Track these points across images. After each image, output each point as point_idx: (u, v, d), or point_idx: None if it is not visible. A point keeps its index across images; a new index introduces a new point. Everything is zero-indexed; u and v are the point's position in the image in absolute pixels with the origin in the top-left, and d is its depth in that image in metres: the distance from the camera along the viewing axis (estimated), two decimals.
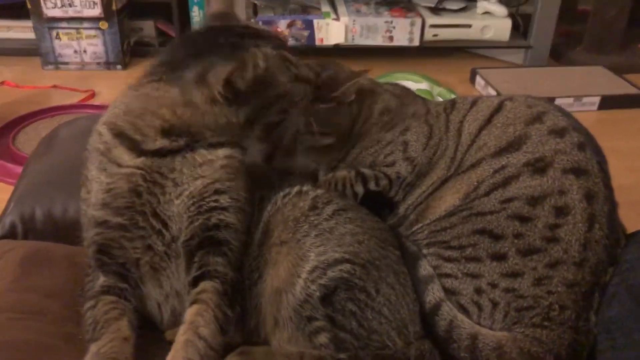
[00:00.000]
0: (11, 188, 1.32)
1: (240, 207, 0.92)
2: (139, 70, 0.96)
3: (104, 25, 2.90)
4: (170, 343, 0.91)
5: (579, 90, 2.75)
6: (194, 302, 0.86)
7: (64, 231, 1.18)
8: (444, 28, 3.05)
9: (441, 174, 1.01)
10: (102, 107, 2.49)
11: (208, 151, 0.90)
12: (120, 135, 0.89)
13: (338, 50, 2.98)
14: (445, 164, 1.01)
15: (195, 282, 0.88)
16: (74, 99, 2.68)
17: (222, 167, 0.90)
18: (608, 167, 0.95)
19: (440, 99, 2.39)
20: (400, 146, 1.04)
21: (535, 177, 0.91)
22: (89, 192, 0.90)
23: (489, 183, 0.93)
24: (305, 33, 2.95)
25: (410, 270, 0.94)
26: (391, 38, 3.01)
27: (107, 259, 0.89)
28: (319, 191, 0.97)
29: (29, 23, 2.92)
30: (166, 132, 0.89)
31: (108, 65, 3.00)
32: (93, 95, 2.74)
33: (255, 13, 3.08)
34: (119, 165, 0.88)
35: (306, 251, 0.89)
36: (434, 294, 0.91)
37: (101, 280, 0.89)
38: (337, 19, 2.97)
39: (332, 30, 2.97)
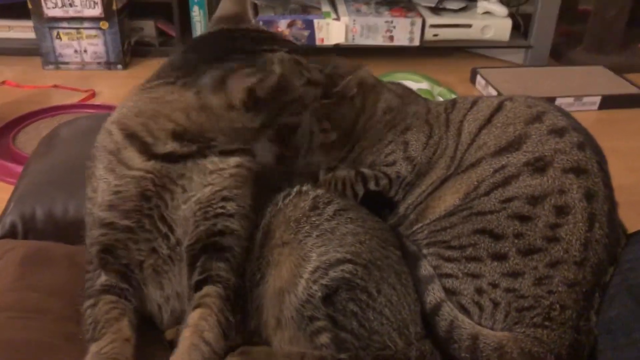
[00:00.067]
0: (11, 188, 1.33)
1: (245, 215, 0.92)
2: (139, 70, 0.96)
3: (104, 25, 2.90)
4: (170, 342, 0.91)
5: (580, 90, 2.75)
6: (197, 305, 0.85)
7: (65, 231, 1.18)
8: (445, 28, 3.05)
9: (441, 173, 1.01)
10: (102, 107, 2.53)
11: (219, 159, 0.90)
12: (131, 136, 0.88)
13: (338, 50, 2.98)
14: (445, 163, 1.01)
15: (198, 286, 0.87)
16: (75, 98, 2.68)
17: (231, 176, 0.90)
18: (608, 166, 0.95)
19: (441, 99, 2.40)
20: (400, 145, 1.04)
21: (535, 176, 0.91)
22: (95, 190, 0.89)
23: (489, 182, 0.93)
24: (306, 33, 2.95)
25: (411, 271, 0.94)
26: (391, 38, 3.01)
27: (110, 258, 0.89)
28: (319, 191, 0.97)
29: (29, 23, 2.92)
30: (178, 136, 0.88)
31: (108, 65, 3.00)
32: (93, 95, 2.74)
33: (256, 13, 3.08)
34: (129, 168, 0.87)
35: (308, 251, 0.89)
36: (434, 294, 0.91)
37: (102, 278, 0.89)
38: (338, 18, 2.97)
39: (332, 30, 2.97)
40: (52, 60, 2.98)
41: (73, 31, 2.93)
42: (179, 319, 0.92)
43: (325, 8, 3.07)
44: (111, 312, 0.85)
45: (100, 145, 0.91)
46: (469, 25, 3.06)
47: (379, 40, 3.01)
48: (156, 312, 0.93)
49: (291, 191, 0.96)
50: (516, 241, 0.88)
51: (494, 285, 0.88)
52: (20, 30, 3.05)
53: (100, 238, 0.89)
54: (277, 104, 0.91)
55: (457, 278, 0.90)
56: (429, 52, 3.12)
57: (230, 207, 0.90)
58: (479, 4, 3.13)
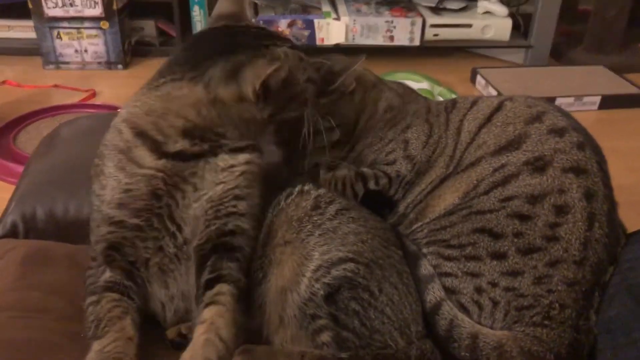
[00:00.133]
0: (12, 187, 1.33)
1: (255, 214, 0.93)
2: (140, 69, 0.96)
3: (104, 24, 2.90)
4: (171, 342, 0.92)
5: (580, 89, 2.75)
6: (210, 303, 0.85)
7: (65, 230, 1.18)
8: (445, 28, 3.04)
9: (440, 172, 1.01)
10: (103, 107, 2.53)
11: (230, 156, 0.90)
12: (141, 134, 0.88)
13: (338, 50, 2.97)
14: (444, 162, 1.01)
15: (208, 285, 0.87)
16: (75, 98, 2.68)
17: (242, 174, 0.90)
18: (607, 166, 0.95)
19: (441, 99, 2.40)
20: (401, 144, 1.04)
21: (535, 175, 0.91)
22: (103, 188, 0.89)
23: (489, 181, 0.94)
24: (306, 33, 2.95)
25: (411, 270, 0.94)
26: (392, 38, 3.01)
27: (117, 255, 0.89)
28: (321, 191, 0.97)
29: (30, 23, 2.92)
30: (188, 134, 0.88)
31: (109, 64, 3.00)
32: (94, 94, 2.74)
33: (256, 12, 3.08)
34: (140, 166, 0.87)
35: (310, 250, 0.89)
36: (434, 293, 0.91)
37: (107, 275, 0.89)
38: (338, 18, 2.97)
39: (332, 30, 2.97)
40: (52, 60, 2.98)
41: (73, 31, 2.93)
42: (182, 319, 0.92)
43: (326, 8, 3.07)
44: (114, 310, 0.85)
45: (109, 144, 0.90)
46: (469, 25, 3.06)
47: (379, 40, 3.01)
48: (159, 311, 0.93)
49: (293, 191, 0.97)
50: (516, 240, 0.88)
51: (494, 284, 0.88)
52: (21, 30, 3.05)
53: (107, 236, 0.89)
54: (284, 96, 0.92)
55: (457, 277, 0.90)
56: (429, 52, 3.12)
57: (242, 206, 0.90)
58: (479, 3, 3.13)
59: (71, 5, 2.86)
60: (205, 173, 0.89)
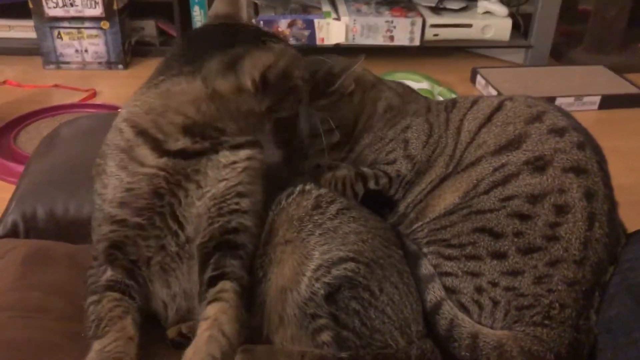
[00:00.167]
0: (13, 187, 1.33)
1: (258, 211, 0.93)
2: (140, 69, 0.96)
3: (105, 24, 2.90)
4: (171, 341, 0.91)
5: (580, 89, 2.75)
6: (214, 300, 0.86)
7: (66, 230, 1.18)
8: (445, 28, 3.04)
9: (440, 172, 1.01)
10: (103, 107, 2.53)
11: (231, 152, 0.90)
12: (142, 133, 0.88)
13: (339, 50, 2.98)
14: (444, 161, 1.01)
15: (212, 282, 0.87)
16: (75, 98, 2.68)
17: (244, 170, 0.91)
18: (607, 166, 0.95)
19: (441, 99, 2.40)
20: (401, 144, 1.04)
21: (535, 175, 0.91)
22: (105, 187, 0.89)
23: (489, 181, 0.94)
24: (306, 33, 2.95)
25: (411, 269, 0.94)
26: (392, 38, 3.01)
27: (118, 254, 0.89)
28: (322, 190, 0.98)
29: (30, 22, 2.92)
30: (188, 131, 0.88)
31: (109, 64, 3.00)
32: (94, 94, 2.74)
33: (257, 12, 3.08)
34: (142, 165, 0.87)
35: (311, 250, 0.89)
36: (434, 293, 0.91)
37: (108, 274, 0.89)
38: (338, 18, 2.97)
39: (332, 30, 2.97)
40: (53, 59, 2.98)
41: (74, 31, 2.93)
42: (184, 318, 0.92)
43: (326, 8, 3.07)
44: (115, 309, 0.85)
45: (111, 143, 0.91)
46: (469, 25, 3.06)
47: (379, 40, 3.01)
48: (161, 310, 0.93)
49: (294, 190, 0.97)
50: (516, 240, 0.88)
51: (494, 284, 0.88)
52: (21, 30, 3.05)
53: (109, 234, 0.89)
54: (282, 89, 0.92)
55: (457, 276, 0.90)
56: (429, 51, 3.12)
57: (245, 203, 0.90)
58: (479, 3, 3.13)
59: (71, 5, 2.86)
60: (208, 170, 0.89)
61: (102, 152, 0.92)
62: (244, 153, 0.91)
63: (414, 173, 1.03)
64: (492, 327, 0.88)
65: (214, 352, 0.80)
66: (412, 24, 2.98)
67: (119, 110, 0.98)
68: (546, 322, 0.85)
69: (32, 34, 2.94)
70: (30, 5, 2.85)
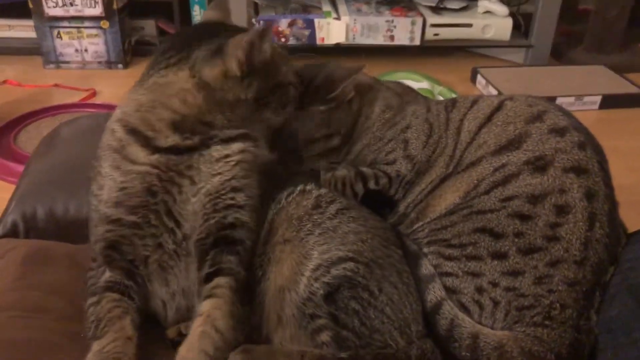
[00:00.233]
0: (13, 187, 1.33)
1: (254, 205, 0.92)
2: (140, 69, 0.96)
3: (105, 24, 2.91)
4: (172, 341, 0.91)
5: (580, 89, 2.75)
6: (208, 296, 0.86)
7: (66, 230, 1.18)
8: (445, 27, 3.04)
9: (440, 172, 1.01)
10: (103, 106, 2.53)
11: (222, 146, 0.90)
12: (132, 131, 0.89)
13: (339, 50, 2.98)
14: (444, 162, 1.01)
15: (208, 279, 0.87)
16: (75, 98, 2.68)
17: (237, 163, 0.90)
18: (608, 166, 0.95)
19: (442, 98, 2.39)
20: (400, 144, 1.04)
21: (536, 175, 0.91)
22: (101, 188, 0.89)
23: (489, 181, 0.93)
24: (306, 32, 2.95)
25: (412, 269, 0.94)
26: (392, 37, 3.01)
27: (116, 255, 0.89)
28: (323, 190, 0.97)
29: (30, 22, 2.93)
30: (177, 127, 0.88)
31: (109, 64, 3.00)
32: (94, 94, 2.74)
33: (257, 12, 3.08)
34: (134, 163, 0.88)
35: (310, 249, 0.89)
36: (435, 293, 0.91)
37: (107, 275, 0.89)
38: (338, 18, 2.97)
39: (333, 30, 2.97)
40: (52, 59, 2.98)
41: (74, 30, 2.93)
42: (183, 316, 0.92)
43: (326, 7, 3.07)
44: (114, 310, 0.85)
45: (104, 145, 0.91)
46: (470, 25, 3.06)
47: (379, 39, 3.01)
48: (160, 309, 0.93)
49: (294, 189, 0.97)
50: (516, 240, 0.88)
51: (494, 284, 0.88)
52: (21, 30, 3.05)
53: (105, 234, 0.89)
54: (267, 80, 0.92)
55: (458, 277, 0.90)
56: (429, 51, 3.12)
57: (240, 198, 0.90)
58: (480, 3, 3.13)
59: (71, 4, 2.86)
60: (201, 165, 0.89)
61: (97, 154, 0.92)
62: (236, 146, 0.91)
63: (414, 173, 1.03)
64: (492, 328, 0.88)
65: (206, 348, 0.80)
66: (413, 23, 2.98)
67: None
68: (547, 322, 0.85)
69: (32, 34, 2.95)
70: (30, 5, 2.85)
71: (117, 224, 0.88)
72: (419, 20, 2.98)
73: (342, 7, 3.06)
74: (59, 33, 2.92)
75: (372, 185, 1.03)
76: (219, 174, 0.89)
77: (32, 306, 0.98)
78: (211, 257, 0.88)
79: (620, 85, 2.85)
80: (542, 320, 0.85)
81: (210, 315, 0.83)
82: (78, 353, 0.83)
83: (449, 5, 3.12)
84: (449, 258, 0.92)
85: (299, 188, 0.97)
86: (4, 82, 2.81)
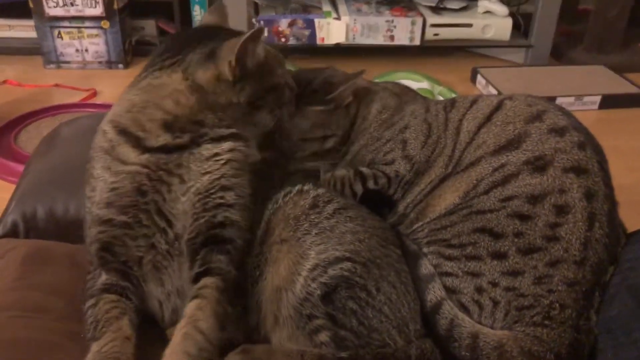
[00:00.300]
0: (13, 187, 1.33)
1: (245, 204, 0.92)
2: (140, 69, 0.96)
3: (105, 24, 2.91)
4: None
5: (580, 89, 2.75)
6: (194, 297, 0.86)
7: (66, 230, 1.18)
8: (445, 27, 3.04)
9: (439, 172, 1.01)
10: (103, 106, 2.52)
11: (212, 145, 0.90)
12: (123, 132, 0.89)
13: (339, 50, 2.98)
14: (443, 162, 1.01)
15: (197, 279, 0.87)
16: (76, 97, 2.68)
17: (227, 162, 0.90)
18: (608, 166, 0.95)
19: (441, 98, 2.40)
20: (399, 144, 1.04)
21: (535, 175, 0.91)
22: (93, 190, 0.90)
23: (489, 181, 0.93)
24: (307, 32, 2.95)
25: (411, 269, 0.94)
26: (392, 37, 3.01)
27: (109, 256, 0.89)
28: (320, 190, 0.97)
29: (30, 22, 2.93)
30: (168, 127, 0.89)
31: (110, 64, 3.00)
32: (95, 94, 2.74)
33: (257, 12, 3.08)
34: (124, 163, 0.88)
35: (306, 249, 0.89)
36: (434, 292, 0.91)
37: (103, 278, 0.89)
38: (338, 18, 2.97)
39: (333, 30, 2.97)
40: (53, 59, 2.98)
41: (74, 30, 2.93)
42: (180, 317, 0.92)
43: (326, 7, 3.07)
44: (111, 311, 0.86)
45: (96, 146, 0.92)
46: (470, 25, 3.06)
47: (379, 39, 3.01)
48: (157, 309, 0.93)
49: (292, 189, 0.97)
50: (516, 240, 0.88)
51: (494, 284, 0.88)
52: (22, 30, 3.05)
53: (98, 236, 0.89)
54: (260, 83, 0.93)
55: (457, 277, 0.90)
56: (429, 51, 3.12)
57: (230, 197, 0.90)
58: (480, 3, 3.13)
59: (72, 4, 2.86)
60: (191, 164, 0.89)
61: (90, 156, 0.93)
62: (226, 145, 0.91)
63: (412, 173, 1.03)
64: (492, 327, 0.88)
65: (189, 349, 0.80)
66: (413, 23, 2.98)
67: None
68: (546, 322, 0.85)
69: (33, 34, 2.95)
70: (31, 5, 2.85)
71: (109, 225, 0.88)
72: (419, 20, 2.98)
73: (342, 7, 3.06)
74: (59, 33, 2.93)
75: (371, 185, 1.03)
76: (209, 172, 0.89)
77: (32, 306, 0.98)
78: (201, 256, 0.88)
79: (620, 85, 2.85)
80: (542, 320, 0.85)
81: (192, 316, 0.83)
82: (78, 353, 0.83)
83: (449, 5, 3.12)
84: (449, 258, 0.92)
85: (296, 188, 0.97)
86: (4, 82, 2.81)
